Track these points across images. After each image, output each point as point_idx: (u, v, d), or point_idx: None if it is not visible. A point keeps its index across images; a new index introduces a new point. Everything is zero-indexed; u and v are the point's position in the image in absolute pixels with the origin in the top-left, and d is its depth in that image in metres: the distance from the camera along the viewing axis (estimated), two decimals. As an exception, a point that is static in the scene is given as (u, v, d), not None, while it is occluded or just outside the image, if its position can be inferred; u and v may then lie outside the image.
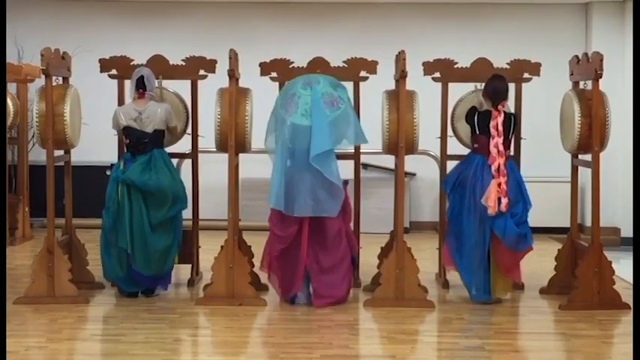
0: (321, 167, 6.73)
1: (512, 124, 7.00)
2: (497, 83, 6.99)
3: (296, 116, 6.81)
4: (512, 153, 7.13)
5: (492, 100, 6.96)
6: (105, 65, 7.45)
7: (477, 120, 6.99)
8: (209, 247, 7.42)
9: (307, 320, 6.55)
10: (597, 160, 6.99)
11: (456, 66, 7.47)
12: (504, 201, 6.78)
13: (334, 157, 6.83)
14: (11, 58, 9.98)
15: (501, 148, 6.86)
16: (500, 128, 6.87)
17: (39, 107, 6.98)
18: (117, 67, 7.43)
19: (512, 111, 7.28)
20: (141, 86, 7.10)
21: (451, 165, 7.52)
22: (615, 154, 9.20)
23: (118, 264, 7.04)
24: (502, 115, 6.90)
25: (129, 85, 7.28)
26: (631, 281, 7.30)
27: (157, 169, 7.06)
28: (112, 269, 7.07)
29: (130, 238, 6.96)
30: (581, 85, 7.28)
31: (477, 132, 6.99)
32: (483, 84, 7.13)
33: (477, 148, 7.01)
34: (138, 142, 7.06)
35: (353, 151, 7.54)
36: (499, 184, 6.78)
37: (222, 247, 6.99)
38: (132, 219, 6.96)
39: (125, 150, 7.23)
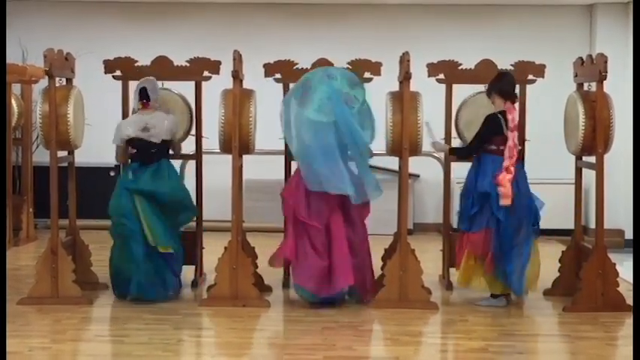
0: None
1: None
2: (510, 80, 6.99)
3: (311, 111, 6.78)
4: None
5: (508, 96, 6.93)
6: (109, 66, 7.45)
7: (502, 121, 6.90)
8: (213, 249, 7.42)
9: (310, 321, 6.55)
10: (601, 162, 6.98)
11: (460, 67, 7.47)
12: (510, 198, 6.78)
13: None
14: (15, 59, 10.00)
15: (517, 141, 6.86)
16: (516, 122, 6.88)
17: (42, 108, 7.00)
18: (121, 68, 7.43)
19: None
20: (144, 97, 7.12)
21: (454, 166, 7.52)
22: (619, 156, 9.19)
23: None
24: (516, 110, 6.91)
25: (134, 86, 7.31)
26: (635, 283, 7.29)
27: (167, 177, 7.11)
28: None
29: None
30: (586, 86, 7.28)
31: (503, 133, 6.90)
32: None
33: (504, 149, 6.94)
34: (146, 153, 7.07)
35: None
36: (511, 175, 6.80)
37: (225, 248, 7.00)
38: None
39: (130, 161, 7.18)
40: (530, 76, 7.49)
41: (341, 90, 6.85)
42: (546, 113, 8.68)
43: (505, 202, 6.75)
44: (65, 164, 7.37)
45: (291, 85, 7.36)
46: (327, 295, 6.87)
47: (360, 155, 6.85)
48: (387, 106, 7.10)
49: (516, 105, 6.98)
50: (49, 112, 6.94)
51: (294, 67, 7.36)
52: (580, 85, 7.37)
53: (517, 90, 7.12)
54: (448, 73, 7.46)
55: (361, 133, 6.80)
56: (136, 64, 7.41)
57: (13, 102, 9.66)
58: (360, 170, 6.88)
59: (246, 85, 7.31)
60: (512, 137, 6.83)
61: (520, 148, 6.99)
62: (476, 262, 6.96)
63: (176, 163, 7.63)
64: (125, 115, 7.44)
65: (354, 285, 6.93)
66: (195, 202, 7.44)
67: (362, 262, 7.01)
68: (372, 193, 6.91)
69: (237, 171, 7.11)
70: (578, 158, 7.45)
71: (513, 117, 6.87)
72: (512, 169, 6.78)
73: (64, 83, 7.30)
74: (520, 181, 6.89)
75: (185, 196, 7.20)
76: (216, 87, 7.32)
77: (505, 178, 6.76)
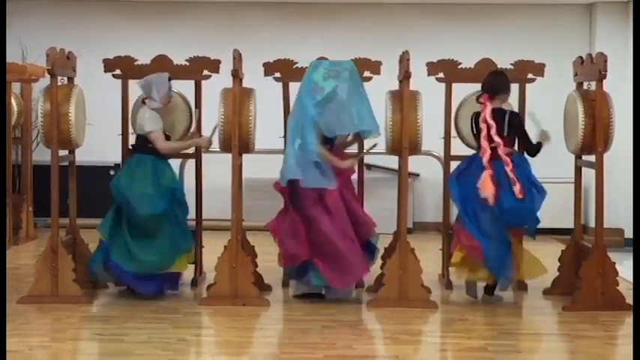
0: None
1: (508, 119, 6.95)
2: (487, 78, 7.05)
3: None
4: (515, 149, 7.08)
5: (485, 94, 7.00)
6: (109, 65, 7.45)
7: (476, 121, 7.02)
8: (212, 247, 7.42)
9: (310, 320, 6.55)
10: (601, 161, 6.98)
11: (459, 66, 7.47)
12: (517, 187, 6.78)
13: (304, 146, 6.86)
14: (15, 57, 10.00)
15: (497, 138, 6.84)
16: (490, 121, 6.87)
17: (44, 107, 7.00)
18: (120, 67, 7.43)
19: (515, 110, 7.31)
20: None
21: (454, 165, 7.52)
22: (619, 155, 9.19)
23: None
24: (487, 107, 6.91)
25: (134, 86, 7.35)
26: (635, 282, 7.30)
27: (125, 173, 7.14)
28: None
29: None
30: (585, 85, 7.28)
31: (474, 132, 7.08)
32: None
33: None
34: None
35: (356, 151, 7.54)
36: (508, 172, 6.80)
37: (225, 247, 7.00)
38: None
39: None
40: (530, 75, 7.50)
41: (312, 80, 6.90)
42: (546, 112, 8.66)
43: (490, 201, 6.79)
44: (66, 163, 7.37)
45: (291, 84, 7.37)
46: (286, 266, 7.19)
47: (301, 135, 6.86)
48: (387, 105, 7.10)
49: (494, 103, 6.96)
50: (51, 111, 6.93)
51: (294, 66, 7.36)
52: (580, 84, 7.38)
53: (514, 93, 7.17)
54: (448, 72, 7.47)
55: (308, 112, 6.81)
56: (135, 63, 7.42)
57: (13, 101, 9.65)
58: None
59: (245, 84, 7.31)
60: (482, 136, 6.90)
61: (499, 144, 6.87)
62: (465, 254, 7.01)
63: (176, 162, 7.65)
64: (125, 114, 7.48)
65: (320, 271, 6.93)
66: (194, 201, 7.45)
67: (327, 250, 6.91)
68: (312, 179, 6.86)
69: (237, 170, 7.11)
70: (578, 157, 7.45)
71: (483, 116, 6.92)
72: (497, 167, 6.83)
73: (66, 82, 7.30)
74: (502, 179, 6.86)
75: (132, 191, 6.97)
76: (215, 86, 7.32)
77: (483, 181, 6.80)
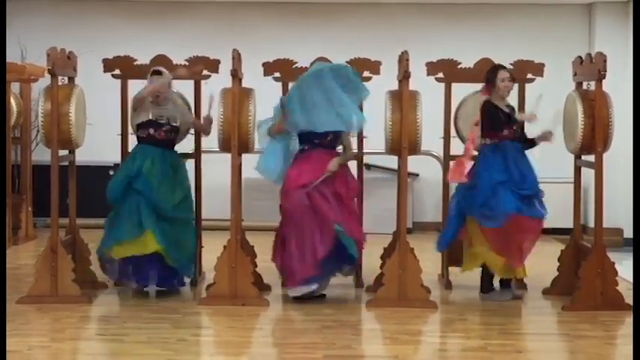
0: None
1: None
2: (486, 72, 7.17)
3: None
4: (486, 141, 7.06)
5: None
6: (108, 65, 7.46)
7: None
8: (212, 247, 7.42)
9: (310, 320, 6.56)
10: (600, 161, 6.99)
11: (459, 66, 7.48)
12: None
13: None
14: (15, 57, 10.00)
15: (474, 132, 7.01)
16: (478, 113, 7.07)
17: (44, 107, 6.99)
18: (120, 66, 7.44)
19: (515, 108, 7.35)
20: None
21: (453, 165, 7.52)
22: (618, 155, 9.19)
23: None
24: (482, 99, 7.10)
25: (134, 86, 7.36)
26: (634, 282, 7.30)
27: None
28: None
29: None
30: (585, 85, 7.28)
31: None
32: None
33: None
34: None
35: (356, 151, 7.55)
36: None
37: (224, 247, 7.00)
38: None
39: None
40: (530, 75, 7.50)
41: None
42: (545, 112, 8.67)
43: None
44: (65, 163, 7.37)
45: (290, 84, 7.38)
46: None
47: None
48: (387, 104, 7.11)
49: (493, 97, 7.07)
50: (52, 111, 6.93)
51: (294, 66, 7.37)
52: (579, 84, 7.38)
53: (514, 93, 7.26)
54: (447, 72, 7.47)
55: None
56: (135, 63, 7.42)
57: (12, 101, 9.66)
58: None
59: (245, 84, 7.31)
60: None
61: (469, 137, 7.07)
62: None
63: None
64: (125, 114, 7.49)
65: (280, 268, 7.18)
66: (194, 201, 7.46)
67: (285, 251, 7.05)
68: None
69: (237, 169, 7.11)
70: (578, 157, 7.45)
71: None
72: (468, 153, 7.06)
73: (66, 82, 7.30)
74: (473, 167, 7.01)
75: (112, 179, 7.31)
76: (215, 86, 7.32)
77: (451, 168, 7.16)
